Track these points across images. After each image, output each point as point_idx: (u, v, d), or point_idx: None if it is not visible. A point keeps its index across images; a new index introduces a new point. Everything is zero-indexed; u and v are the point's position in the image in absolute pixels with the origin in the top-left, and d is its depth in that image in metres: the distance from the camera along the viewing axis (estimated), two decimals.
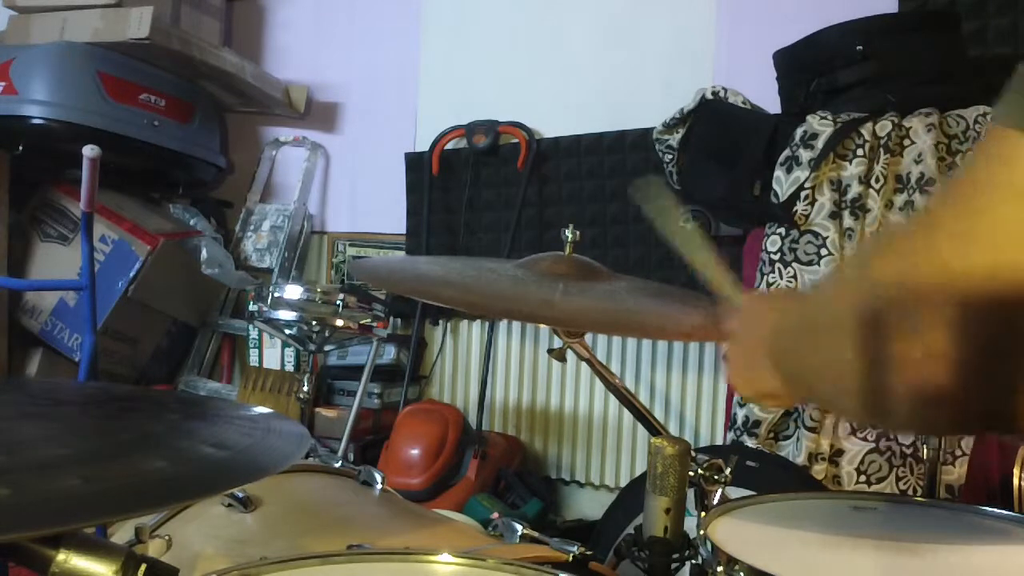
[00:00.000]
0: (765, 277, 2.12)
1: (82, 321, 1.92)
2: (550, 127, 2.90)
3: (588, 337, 1.36)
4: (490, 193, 2.95)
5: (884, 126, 2.05)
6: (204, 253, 3.07)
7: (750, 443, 2.12)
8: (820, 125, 2.06)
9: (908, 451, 2.02)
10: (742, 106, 2.26)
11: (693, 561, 1.11)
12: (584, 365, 1.65)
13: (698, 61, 2.71)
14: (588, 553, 1.09)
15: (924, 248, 0.51)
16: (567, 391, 2.88)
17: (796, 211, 2.07)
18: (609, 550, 1.47)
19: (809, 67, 2.17)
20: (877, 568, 0.99)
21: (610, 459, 2.81)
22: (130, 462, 0.67)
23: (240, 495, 1.22)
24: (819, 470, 2.05)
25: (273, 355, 3.13)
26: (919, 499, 1.31)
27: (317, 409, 2.86)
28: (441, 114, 3.04)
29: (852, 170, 2.05)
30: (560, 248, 1.37)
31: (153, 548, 1.17)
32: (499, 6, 3.03)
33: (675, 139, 2.37)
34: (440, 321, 3.05)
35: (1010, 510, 1.17)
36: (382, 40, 3.22)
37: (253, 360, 3.16)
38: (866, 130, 2.05)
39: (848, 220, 2.07)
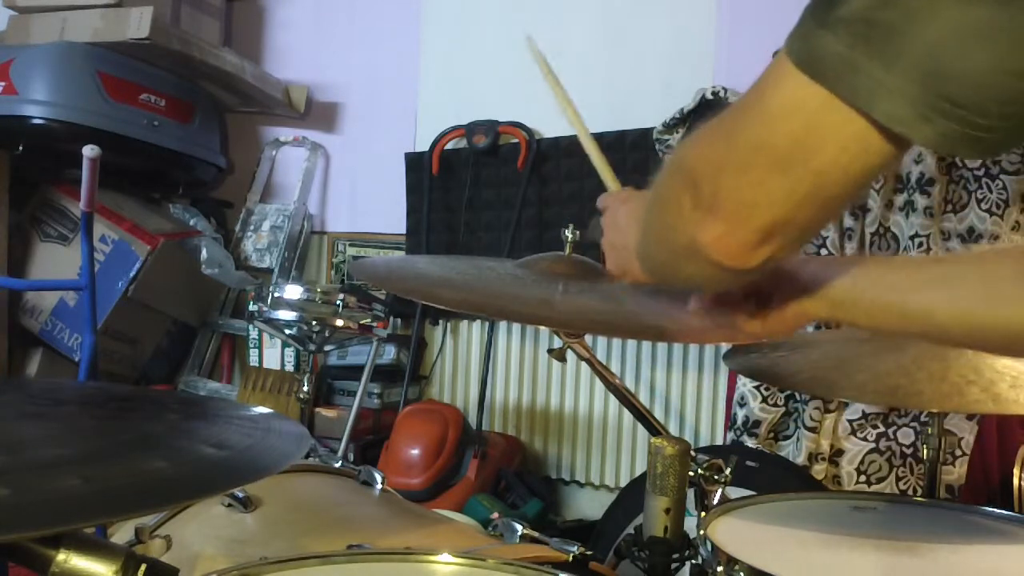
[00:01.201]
0: None
1: (82, 321, 1.91)
2: (550, 127, 2.90)
3: (588, 337, 1.36)
4: (490, 193, 2.95)
5: None
6: (204, 253, 3.07)
7: (750, 443, 2.13)
8: None
9: (908, 451, 2.02)
10: None
11: (693, 561, 1.11)
12: (584, 365, 1.65)
13: (698, 61, 2.71)
14: (588, 553, 1.09)
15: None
16: (567, 391, 2.88)
17: None
18: (609, 550, 1.47)
19: None
20: (877, 568, 1.00)
21: (610, 459, 2.81)
22: (130, 462, 0.67)
23: (240, 495, 1.22)
24: (819, 470, 2.05)
25: (273, 355, 3.13)
26: (919, 499, 1.31)
27: (317, 409, 2.85)
28: (441, 114, 3.04)
29: None
30: (560, 248, 1.37)
31: (153, 548, 1.17)
32: (499, 6, 3.03)
33: (675, 139, 2.37)
34: (440, 321, 3.05)
35: (1010, 510, 1.17)
36: (382, 40, 3.22)
37: (253, 360, 3.16)
38: None
39: (848, 220, 2.08)
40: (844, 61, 0.53)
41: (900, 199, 2.05)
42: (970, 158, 1.90)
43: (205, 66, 3.01)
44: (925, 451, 1.37)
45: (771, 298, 0.79)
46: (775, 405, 2.12)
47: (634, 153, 2.70)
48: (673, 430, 2.60)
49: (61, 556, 0.60)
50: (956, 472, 1.96)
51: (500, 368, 2.95)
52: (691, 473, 1.15)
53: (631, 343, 2.77)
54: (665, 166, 0.68)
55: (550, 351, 1.34)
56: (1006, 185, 1.99)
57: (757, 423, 2.12)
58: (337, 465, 1.43)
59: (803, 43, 0.55)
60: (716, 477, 1.20)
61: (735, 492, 1.22)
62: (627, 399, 1.37)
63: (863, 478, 2.04)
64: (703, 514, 1.12)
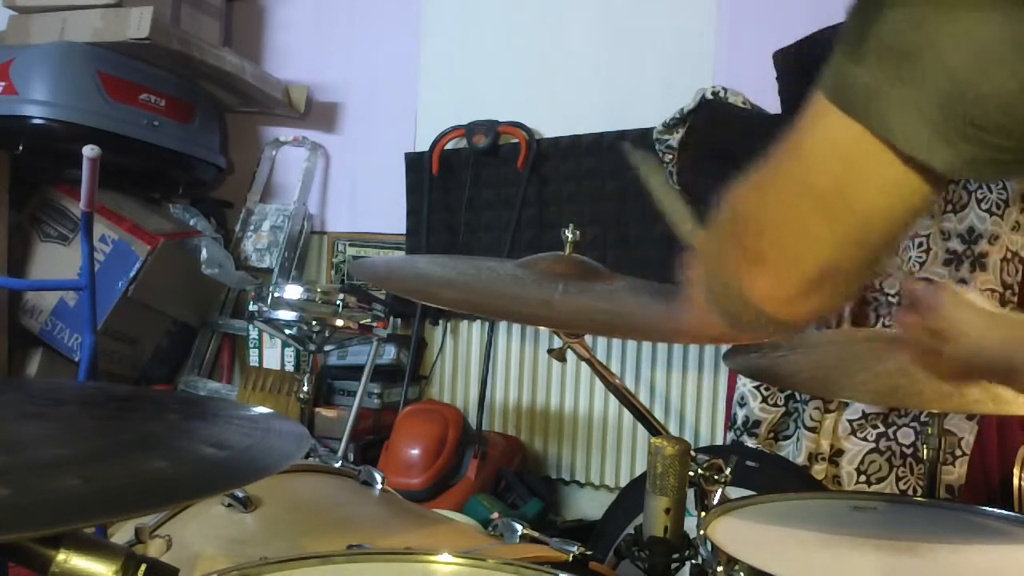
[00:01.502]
0: None
1: (82, 321, 1.91)
2: (550, 127, 2.90)
3: (588, 337, 1.36)
4: (490, 193, 2.95)
5: None
6: (204, 253, 3.07)
7: (750, 443, 2.12)
8: None
9: (908, 451, 2.02)
10: (742, 106, 2.26)
11: (693, 561, 1.11)
12: (584, 365, 1.65)
13: (698, 61, 2.71)
14: (588, 553, 1.09)
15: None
16: (567, 391, 2.87)
17: None
18: (609, 550, 1.47)
19: (809, 67, 2.16)
20: (877, 568, 0.99)
21: (610, 459, 2.81)
22: (130, 462, 0.67)
23: (240, 495, 1.22)
24: (819, 470, 2.05)
25: (273, 355, 3.13)
26: (919, 499, 1.31)
27: (317, 409, 2.85)
28: (441, 114, 3.04)
29: None
30: (560, 248, 1.37)
31: (153, 548, 1.17)
32: (499, 6, 3.03)
33: (675, 139, 2.36)
34: (440, 321, 3.04)
35: (1010, 510, 1.17)
36: (382, 40, 3.22)
37: (253, 360, 3.16)
38: None
39: None
40: (870, 89, 0.52)
41: None
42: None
43: (205, 66, 3.01)
44: (925, 451, 1.37)
45: (947, 343, 0.78)
46: (775, 405, 2.12)
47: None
48: (673, 430, 2.60)
49: (61, 556, 0.60)
50: (956, 472, 1.96)
51: (500, 368, 2.95)
52: (691, 473, 1.15)
53: (631, 343, 2.77)
54: (712, 221, 0.66)
55: (550, 351, 1.34)
56: (1006, 185, 1.98)
57: (757, 423, 2.12)
58: (337, 465, 1.43)
59: (833, 77, 0.54)
60: (716, 477, 1.20)
61: (735, 492, 1.22)
62: (627, 399, 1.36)
63: (863, 478, 2.04)
64: (703, 514, 1.12)
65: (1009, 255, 2.00)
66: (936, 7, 0.50)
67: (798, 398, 2.12)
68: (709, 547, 0.99)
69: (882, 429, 2.04)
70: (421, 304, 2.89)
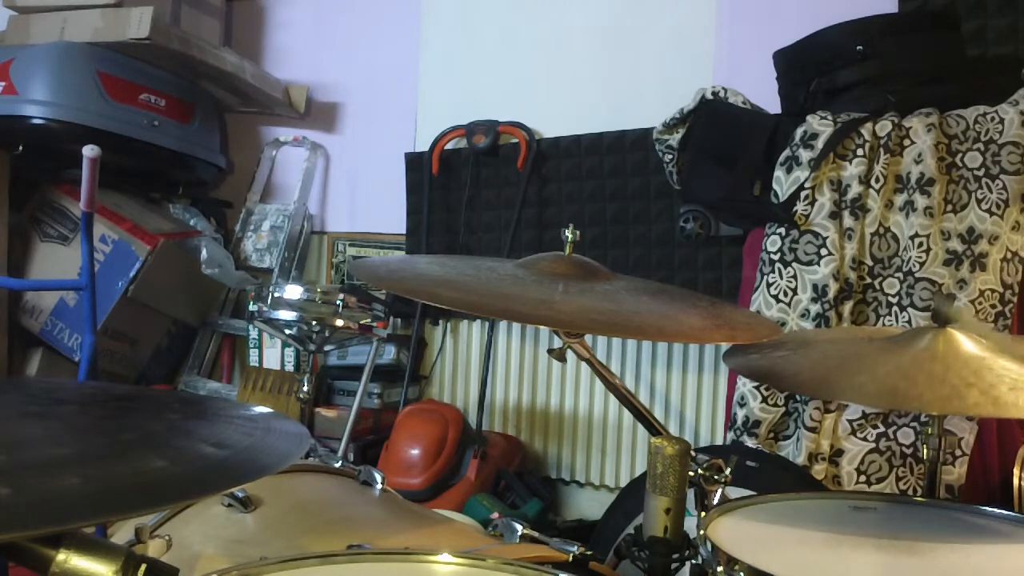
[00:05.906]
0: (765, 277, 2.12)
1: (82, 321, 1.92)
2: (550, 127, 2.90)
3: (588, 337, 1.36)
4: (490, 193, 2.95)
5: (884, 126, 2.05)
6: (204, 253, 3.07)
7: (750, 443, 2.12)
8: (820, 125, 2.06)
9: (908, 451, 2.02)
10: (742, 106, 2.27)
11: (693, 561, 1.11)
12: (584, 365, 1.65)
13: (698, 61, 2.71)
14: (588, 553, 1.09)
15: None
16: (567, 391, 2.88)
17: (796, 211, 2.07)
18: (609, 550, 1.47)
19: (809, 67, 2.17)
20: (877, 568, 0.99)
21: (610, 459, 2.81)
22: (130, 462, 0.67)
23: (240, 495, 1.22)
24: (819, 470, 2.05)
25: (273, 355, 3.13)
26: (919, 499, 1.31)
27: (317, 409, 2.85)
28: (441, 114, 3.04)
29: (852, 170, 2.05)
30: (560, 248, 1.37)
31: (153, 548, 1.17)
32: (499, 6, 3.03)
33: (675, 139, 2.37)
34: (440, 321, 3.05)
35: (1010, 510, 1.17)
36: (382, 40, 3.22)
37: (253, 360, 3.16)
38: (866, 130, 2.05)
39: (848, 220, 2.07)
40: None
41: (900, 199, 2.05)
42: None
43: (205, 66, 3.01)
44: (925, 451, 1.37)
45: None
46: (775, 405, 2.12)
47: (634, 153, 2.70)
48: (673, 430, 2.60)
49: (61, 556, 0.60)
50: (956, 472, 1.96)
51: (500, 368, 2.95)
52: (691, 473, 1.15)
53: (631, 343, 2.77)
54: None
55: (550, 351, 1.34)
56: (1006, 185, 1.99)
57: (757, 423, 2.12)
58: (337, 465, 1.43)
59: None
60: (716, 477, 1.20)
61: (735, 492, 1.22)
62: (627, 399, 1.36)
63: (863, 478, 2.04)
64: (703, 514, 1.12)
65: (1009, 255, 2.00)
66: None
67: (798, 398, 2.12)
68: (709, 547, 0.99)
69: (882, 429, 2.04)
70: (421, 304, 2.89)
